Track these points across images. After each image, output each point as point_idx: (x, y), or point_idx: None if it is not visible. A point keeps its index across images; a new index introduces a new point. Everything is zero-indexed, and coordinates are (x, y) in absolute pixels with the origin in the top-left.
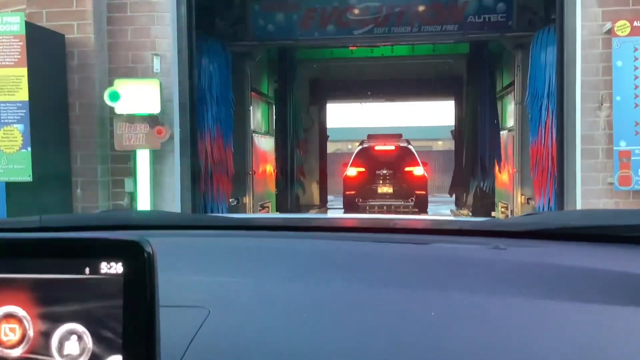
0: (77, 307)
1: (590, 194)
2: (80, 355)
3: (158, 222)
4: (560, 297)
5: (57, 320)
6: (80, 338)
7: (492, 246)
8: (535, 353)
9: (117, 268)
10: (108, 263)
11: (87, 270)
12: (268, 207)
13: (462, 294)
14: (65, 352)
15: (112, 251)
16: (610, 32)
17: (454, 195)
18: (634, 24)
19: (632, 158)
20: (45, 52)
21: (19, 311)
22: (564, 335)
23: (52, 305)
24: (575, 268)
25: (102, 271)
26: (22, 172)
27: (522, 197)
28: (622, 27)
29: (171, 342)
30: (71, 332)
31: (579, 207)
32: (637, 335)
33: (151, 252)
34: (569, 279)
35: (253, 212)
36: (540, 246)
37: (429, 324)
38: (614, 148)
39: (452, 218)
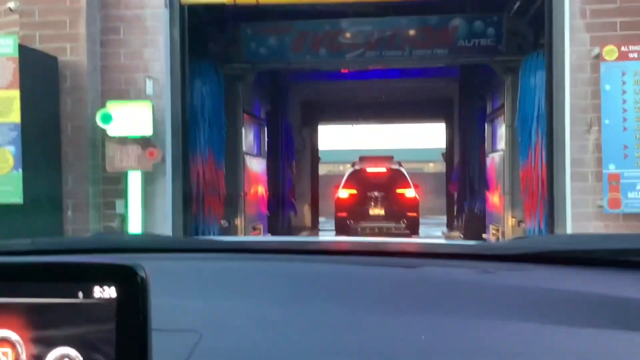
0: (70, 331)
1: (580, 216)
2: None
3: (150, 246)
4: (547, 320)
5: (50, 344)
6: None
7: (480, 270)
8: None
9: (110, 292)
10: (101, 287)
11: (80, 294)
12: (260, 229)
13: (452, 317)
14: None
15: (105, 276)
16: (598, 56)
17: (445, 217)
18: (622, 49)
19: (622, 181)
20: (38, 74)
21: (12, 335)
22: (551, 358)
23: (45, 329)
24: (562, 291)
25: (96, 295)
26: (13, 194)
27: (513, 219)
28: (610, 52)
29: None
30: (64, 356)
31: (569, 229)
32: (621, 357)
33: (144, 277)
34: (556, 302)
35: (245, 233)
36: (528, 270)
37: (420, 347)
38: (604, 171)
39: (442, 241)
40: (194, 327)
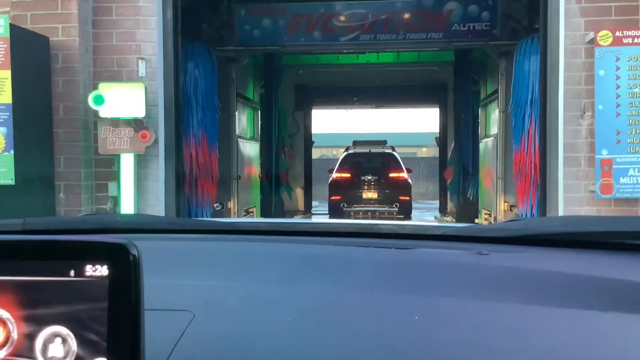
0: (62, 309)
1: (572, 201)
2: (65, 358)
3: (143, 226)
4: (541, 302)
5: (42, 322)
6: (64, 341)
7: (475, 251)
8: (516, 356)
9: (102, 271)
10: (93, 265)
11: (72, 272)
12: (253, 212)
13: (445, 298)
14: (50, 354)
15: (97, 254)
16: (592, 41)
17: (438, 202)
18: (616, 34)
19: (614, 166)
20: (30, 54)
21: (3, 313)
22: (544, 339)
23: (36, 307)
24: (556, 274)
25: (87, 274)
26: (5, 175)
27: (506, 204)
28: (605, 37)
29: (156, 345)
30: (55, 335)
31: (561, 214)
32: (615, 339)
33: (137, 255)
34: (550, 284)
35: (238, 217)
36: (522, 252)
37: (413, 327)
38: (596, 156)
39: (435, 224)
40: (187, 307)
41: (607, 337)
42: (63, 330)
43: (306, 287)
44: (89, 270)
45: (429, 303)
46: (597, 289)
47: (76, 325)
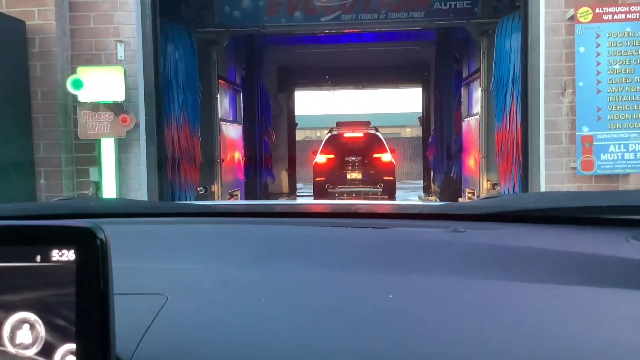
0: (29, 295)
1: (553, 178)
2: (33, 344)
3: (117, 210)
4: (516, 277)
5: (8, 309)
6: (32, 327)
7: (451, 229)
8: (491, 332)
9: (69, 255)
10: (60, 250)
11: (38, 257)
12: (237, 195)
13: (421, 276)
14: (18, 341)
15: (63, 238)
16: (573, 18)
17: (422, 182)
18: (596, 11)
19: (595, 143)
20: (5, 38)
21: None
22: (519, 315)
23: (2, 294)
24: (531, 249)
25: (54, 259)
26: None
27: (488, 182)
28: (585, 13)
29: (127, 329)
30: (23, 321)
31: (542, 191)
32: (590, 314)
33: (104, 239)
34: (525, 260)
35: (222, 200)
36: (498, 228)
37: (387, 306)
38: (577, 133)
39: (413, 202)
40: (160, 290)
41: (582, 312)
42: (31, 316)
43: (281, 268)
44: (56, 255)
45: (405, 281)
46: (572, 263)
47: (44, 311)
